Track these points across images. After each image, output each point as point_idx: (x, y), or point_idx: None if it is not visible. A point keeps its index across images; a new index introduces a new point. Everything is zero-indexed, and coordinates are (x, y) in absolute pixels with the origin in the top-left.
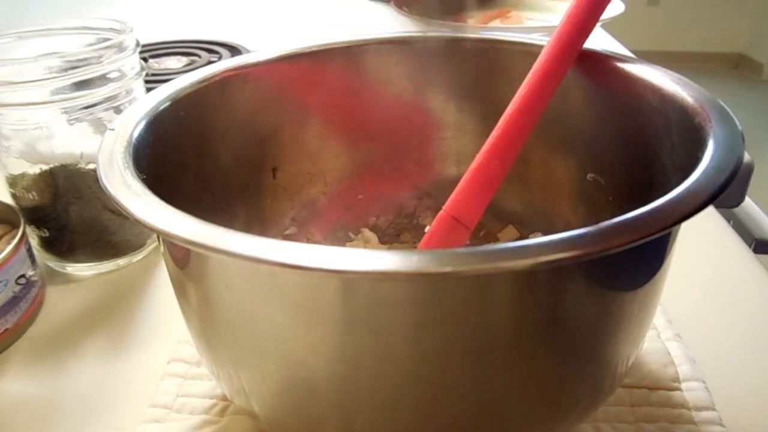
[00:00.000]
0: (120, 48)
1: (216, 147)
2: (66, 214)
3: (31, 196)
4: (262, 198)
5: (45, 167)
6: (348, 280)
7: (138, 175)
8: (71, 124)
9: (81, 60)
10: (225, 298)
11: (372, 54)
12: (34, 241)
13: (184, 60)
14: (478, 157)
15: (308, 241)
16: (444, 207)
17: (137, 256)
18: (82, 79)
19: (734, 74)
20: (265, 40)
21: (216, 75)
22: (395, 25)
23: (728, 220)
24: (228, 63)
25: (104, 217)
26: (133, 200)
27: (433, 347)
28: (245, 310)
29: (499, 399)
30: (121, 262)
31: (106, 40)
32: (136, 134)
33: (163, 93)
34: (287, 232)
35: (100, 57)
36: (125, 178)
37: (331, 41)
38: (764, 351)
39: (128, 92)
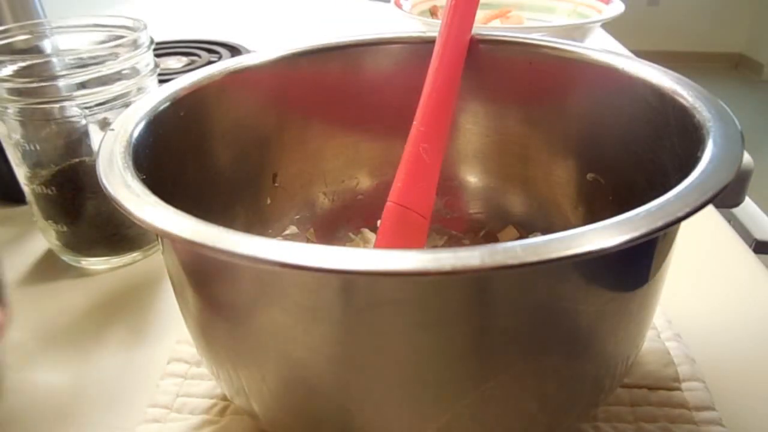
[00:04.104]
0: (135, 45)
1: (216, 147)
2: (83, 209)
3: (49, 192)
4: (262, 198)
5: (64, 163)
6: (348, 280)
7: (138, 175)
8: (88, 121)
9: (94, 57)
10: (225, 297)
11: (372, 54)
12: (51, 236)
13: (184, 60)
14: (406, 146)
15: (308, 241)
16: (388, 198)
17: (152, 250)
18: (98, 76)
19: (734, 74)
20: (265, 40)
21: (216, 75)
22: (395, 25)
23: (728, 220)
24: (228, 63)
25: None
26: (132, 200)
27: (433, 347)
28: (245, 310)
29: (499, 399)
30: (137, 255)
31: (118, 37)
32: (136, 134)
33: (163, 93)
34: (287, 232)
35: (117, 54)
36: (125, 178)
37: (331, 41)
38: (764, 351)
39: (141, 89)
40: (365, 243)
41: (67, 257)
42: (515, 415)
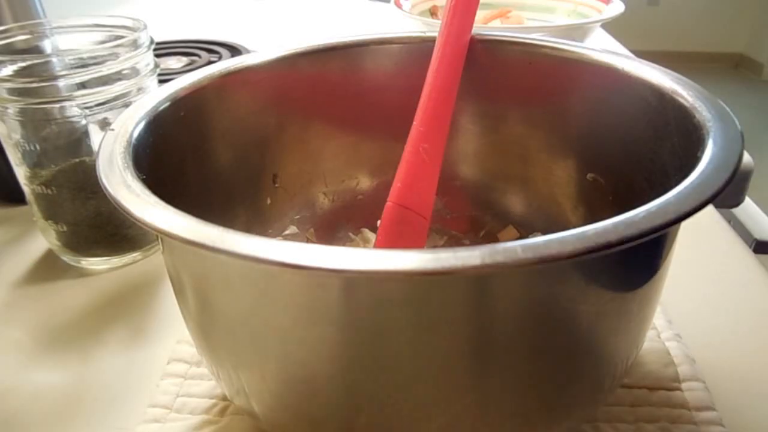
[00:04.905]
0: (135, 45)
1: (216, 147)
2: (84, 209)
3: (49, 192)
4: (262, 198)
5: (64, 163)
6: (348, 280)
7: (138, 175)
8: (88, 121)
9: (94, 57)
10: (225, 298)
11: (372, 54)
12: (51, 236)
13: (184, 60)
14: (406, 146)
15: (308, 241)
16: (388, 198)
17: (152, 250)
18: (99, 76)
19: (734, 74)
20: (265, 40)
21: (216, 75)
22: (395, 25)
23: (728, 220)
24: (228, 63)
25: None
26: (132, 200)
27: (432, 347)
28: (245, 310)
29: (499, 399)
30: (137, 255)
31: (118, 37)
32: (136, 134)
33: (163, 93)
34: (287, 232)
35: (117, 54)
36: (125, 178)
37: (331, 41)
38: (764, 351)
39: (141, 89)
40: (365, 243)
41: (67, 257)
42: (515, 414)
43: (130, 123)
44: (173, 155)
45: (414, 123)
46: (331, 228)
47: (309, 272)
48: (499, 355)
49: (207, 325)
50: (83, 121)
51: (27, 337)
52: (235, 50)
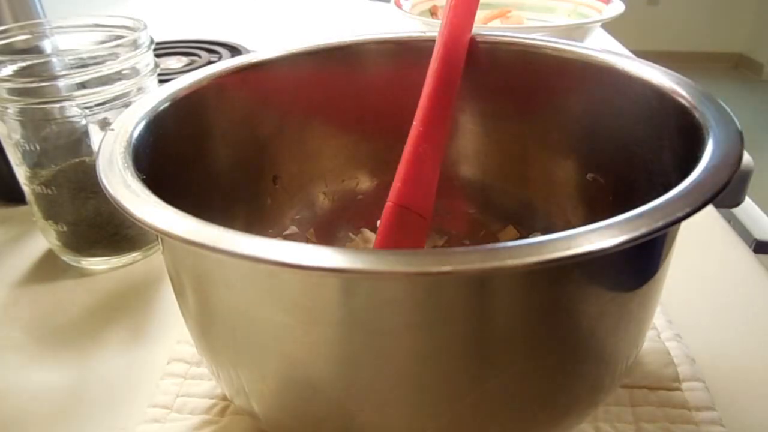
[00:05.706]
0: (135, 45)
1: (216, 147)
2: (84, 209)
3: (49, 192)
4: (262, 198)
5: (64, 163)
6: (348, 279)
7: (138, 175)
8: (88, 121)
9: (94, 57)
10: (225, 298)
11: (372, 54)
12: (51, 236)
13: (184, 60)
14: (406, 146)
15: (308, 241)
16: (388, 198)
17: (152, 250)
18: (99, 76)
19: (734, 74)
20: (265, 40)
21: (216, 75)
22: (395, 25)
23: (728, 220)
24: (228, 63)
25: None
26: (132, 200)
27: (432, 347)
28: (245, 310)
29: (499, 399)
30: (137, 255)
31: (118, 37)
32: (136, 134)
33: (163, 93)
34: (287, 232)
35: (117, 54)
36: (125, 178)
37: (331, 41)
38: (764, 351)
39: (141, 89)
40: (365, 243)
41: (67, 257)
42: (515, 415)
43: (130, 123)
44: (173, 155)
45: (414, 123)
46: (331, 228)
47: (309, 272)
48: (499, 355)
49: (207, 325)
50: (83, 121)
51: (27, 337)
52: (235, 50)
